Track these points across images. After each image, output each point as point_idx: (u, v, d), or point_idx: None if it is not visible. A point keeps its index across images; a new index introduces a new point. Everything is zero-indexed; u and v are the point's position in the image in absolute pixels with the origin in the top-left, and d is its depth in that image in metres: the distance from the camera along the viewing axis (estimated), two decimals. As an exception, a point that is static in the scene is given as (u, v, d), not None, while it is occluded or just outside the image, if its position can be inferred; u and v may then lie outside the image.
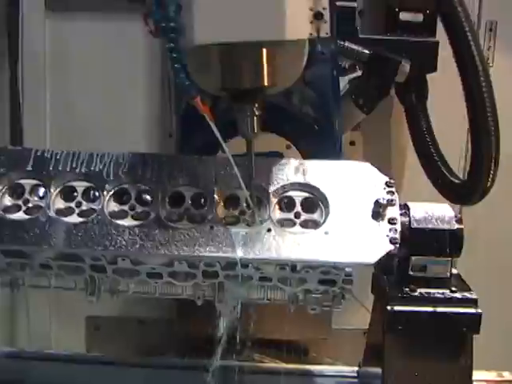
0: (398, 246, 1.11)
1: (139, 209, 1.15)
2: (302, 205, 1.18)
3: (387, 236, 1.12)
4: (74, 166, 1.18)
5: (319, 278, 1.15)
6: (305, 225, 1.15)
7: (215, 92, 1.15)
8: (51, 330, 1.97)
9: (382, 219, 1.14)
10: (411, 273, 1.16)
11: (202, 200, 1.17)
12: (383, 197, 1.15)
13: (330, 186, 1.18)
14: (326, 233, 1.12)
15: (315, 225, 1.15)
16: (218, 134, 1.09)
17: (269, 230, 1.12)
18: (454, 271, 1.20)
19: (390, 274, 1.19)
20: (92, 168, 1.17)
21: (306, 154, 1.38)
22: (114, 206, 1.15)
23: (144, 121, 1.85)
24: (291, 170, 1.19)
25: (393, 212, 1.15)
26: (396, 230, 1.13)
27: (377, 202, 1.15)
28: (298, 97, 1.37)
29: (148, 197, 1.16)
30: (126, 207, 1.15)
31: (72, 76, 1.84)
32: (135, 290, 1.21)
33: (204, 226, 1.12)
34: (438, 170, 1.59)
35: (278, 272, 1.14)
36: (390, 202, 1.16)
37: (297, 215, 1.16)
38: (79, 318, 1.93)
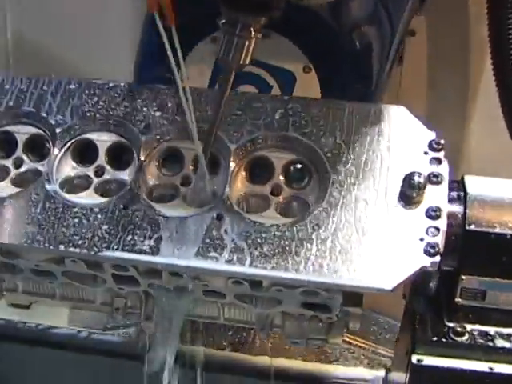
0: (438, 259, 0.66)
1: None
2: (284, 172, 0.75)
3: (421, 240, 0.67)
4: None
5: (301, 301, 0.73)
6: (286, 208, 0.73)
7: None
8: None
9: (416, 206, 0.70)
10: (459, 300, 0.71)
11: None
12: (420, 170, 0.71)
13: (336, 145, 0.74)
14: (316, 227, 0.69)
15: (303, 208, 0.72)
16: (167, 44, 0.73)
17: (219, 218, 0.69)
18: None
19: (428, 295, 0.74)
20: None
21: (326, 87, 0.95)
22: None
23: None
24: (275, 115, 0.77)
25: (436, 195, 0.70)
26: (438, 230, 0.68)
27: (409, 179, 0.69)
28: (348, 12, 0.94)
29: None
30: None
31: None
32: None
33: (114, 203, 0.71)
34: None
35: (230, 287, 0.71)
36: (435, 179, 0.71)
37: (275, 189, 0.74)
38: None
